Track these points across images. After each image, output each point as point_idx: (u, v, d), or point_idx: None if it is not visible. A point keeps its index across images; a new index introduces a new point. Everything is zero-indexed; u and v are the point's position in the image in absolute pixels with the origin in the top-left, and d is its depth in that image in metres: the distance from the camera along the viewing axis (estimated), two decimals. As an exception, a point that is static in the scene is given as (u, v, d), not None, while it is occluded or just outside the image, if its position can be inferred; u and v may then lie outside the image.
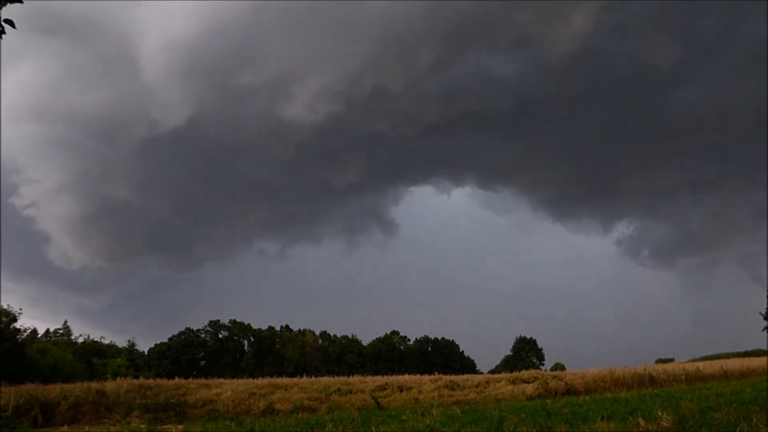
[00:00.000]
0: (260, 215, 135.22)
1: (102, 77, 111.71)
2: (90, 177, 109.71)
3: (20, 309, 35.36)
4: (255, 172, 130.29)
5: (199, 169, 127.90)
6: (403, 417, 16.83)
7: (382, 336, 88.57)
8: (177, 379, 29.56)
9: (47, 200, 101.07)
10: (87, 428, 20.67)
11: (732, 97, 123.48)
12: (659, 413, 12.00)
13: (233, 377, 37.71)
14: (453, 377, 33.45)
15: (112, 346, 55.56)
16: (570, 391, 29.21)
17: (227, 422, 17.69)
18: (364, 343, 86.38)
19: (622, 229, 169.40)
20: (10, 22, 5.67)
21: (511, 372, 41.12)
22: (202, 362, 79.50)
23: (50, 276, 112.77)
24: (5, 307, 34.59)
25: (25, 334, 38.37)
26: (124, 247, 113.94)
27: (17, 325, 35.33)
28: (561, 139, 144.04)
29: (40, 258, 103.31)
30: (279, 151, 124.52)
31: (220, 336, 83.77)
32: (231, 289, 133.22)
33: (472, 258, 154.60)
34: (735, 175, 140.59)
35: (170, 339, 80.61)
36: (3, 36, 5.70)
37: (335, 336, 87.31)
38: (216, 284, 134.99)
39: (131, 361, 53.34)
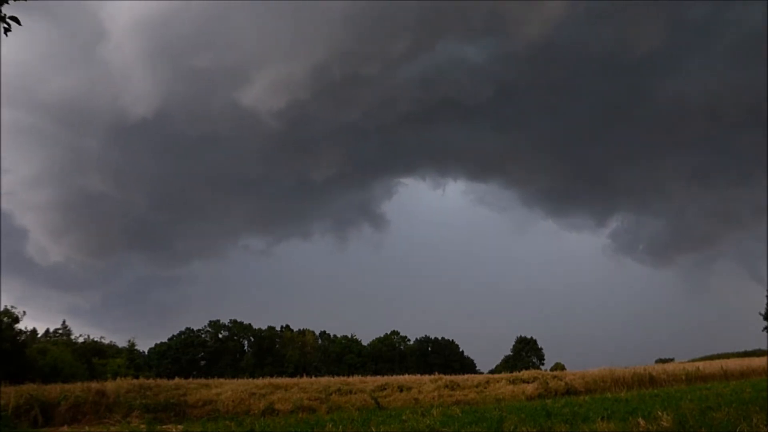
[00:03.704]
0: (243, 210, 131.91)
1: (71, 63, 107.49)
2: (63, 167, 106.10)
3: (24, 311, 35.56)
4: (231, 164, 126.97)
5: (171, 161, 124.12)
6: (403, 417, 16.84)
7: (382, 336, 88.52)
8: (177, 379, 29.55)
9: (21, 191, 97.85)
10: (87, 428, 20.67)
11: (721, 87, 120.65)
12: (659, 413, 12.01)
13: (233, 377, 37.67)
14: (453, 377, 33.45)
15: (112, 346, 55.71)
16: (570, 391, 29.21)
17: (227, 422, 17.70)
18: (364, 343, 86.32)
19: (616, 223, 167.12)
20: (15, 19, 5.69)
21: (511, 372, 41.11)
22: (202, 362, 79.42)
23: (33, 273, 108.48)
24: (9, 308, 34.78)
25: (24, 335, 38.48)
26: (105, 243, 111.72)
27: (19, 326, 35.52)
28: (549, 131, 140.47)
29: (19, 253, 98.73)
30: (253, 143, 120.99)
31: (220, 336, 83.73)
32: (224, 287, 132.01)
33: (471, 257, 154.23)
34: (730, 168, 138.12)
35: (170, 339, 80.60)
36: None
37: (335, 336, 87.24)
38: (208, 282, 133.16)
39: (131, 361, 53.46)
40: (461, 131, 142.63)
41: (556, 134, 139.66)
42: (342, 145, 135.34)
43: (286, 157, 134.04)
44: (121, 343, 58.48)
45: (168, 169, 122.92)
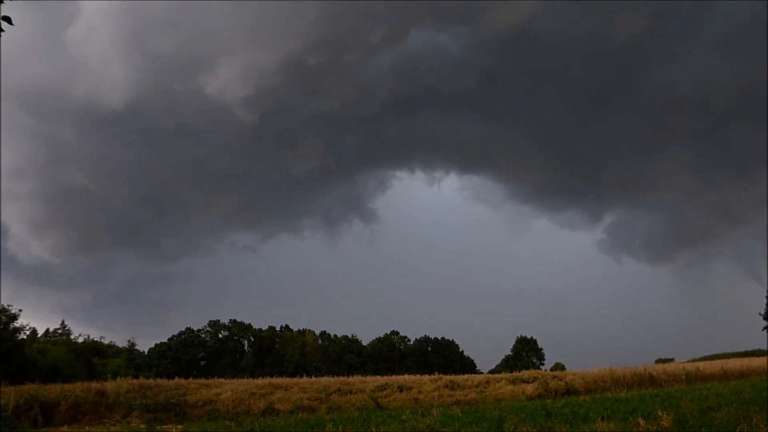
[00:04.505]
0: (225, 205, 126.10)
1: (41, 50, 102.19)
2: (41, 160, 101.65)
3: (20, 309, 35.51)
4: (208, 157, 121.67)
5: (147, 153, 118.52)
6: (403, 417, 16.85)
7: (382, 336, 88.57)
8: (177, 379, 29.57)
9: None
10: (87, 428, 20.69)
11: (712, 78, 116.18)
12: (659, 413, 12.02)
13: (233, 377, 37.67)
14: (453, 377, 33.46)
15: (111, 346, 55.68)
16: (570, 391, 29.23)
17: (227, 422, 17.71)
18: (364, 343, 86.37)
19: (611, 218, 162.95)
20: (8, 19, 5.69)
21: (511, 372, 41.12)
22: (202, 362, 79.47)
23: (17, 271, 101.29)
24: (5, 306, 34.76)
25: (24, 334, 38.49)
26: (88, 239, 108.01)
27: (17, 324, 35.49)
28: (536, 123, 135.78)
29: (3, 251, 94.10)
30: (228, 135, 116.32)
31: (220, 336, 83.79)
32: (217, 285, 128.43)
33: (469, 255, 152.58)
34: (727, 162, 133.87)
35: (170, 339, 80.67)
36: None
37: (335, 336, 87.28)
38: (200, 280, 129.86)
39: (131, 361, 53.45)
40: (445, 122, 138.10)
41: (543, 126, 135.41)
42: (321, 137, 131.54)
43: (264, 150, 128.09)
44: (118, 342, 58.36)
45: (145, 162, 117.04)
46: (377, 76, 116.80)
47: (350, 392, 28.06)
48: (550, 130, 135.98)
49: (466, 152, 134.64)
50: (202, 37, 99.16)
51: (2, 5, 5.70)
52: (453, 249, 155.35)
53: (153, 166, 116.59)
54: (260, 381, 30.87)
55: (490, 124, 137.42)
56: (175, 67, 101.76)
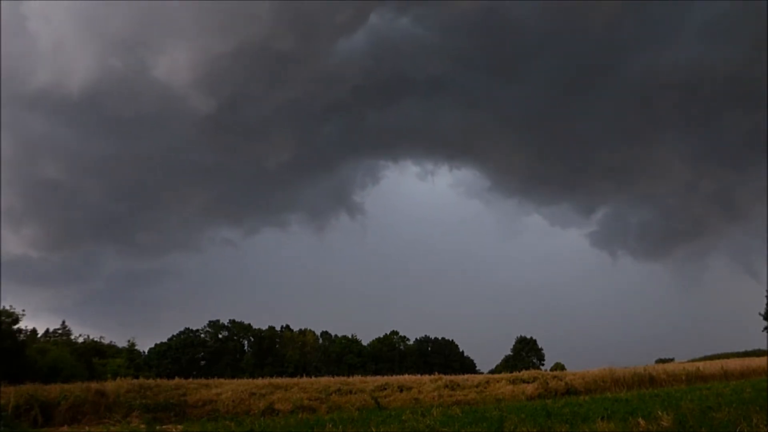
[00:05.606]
0: (202, 199, 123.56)
1: None
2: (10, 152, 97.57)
3: (23, 310, 35.53)
4: (176, 148, 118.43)
5: (114, 144, 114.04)
6: (403, 417, 16.86)
7: (382, 336, 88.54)
8: (177, 379, 29.57)
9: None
10: (87, 428, 20.68)
11: (698, 65, 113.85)
12: (659, 413, 12.02)
13: (233, 377, 37.69)
14: (453, 377, 33.46)
15: (112, 346, 55.77)
16: (570, 391, 29.23)
17: (227, 422, 17.71)
18: (364, 343, 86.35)
19: (605, 211, 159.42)
20: None
21: (511, 372, 41.10)
22: (202, 362, 79.47)
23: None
24: (8, 308, 34.78)
25: (24, 334, 38.48)
26: (66, 235, 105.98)
27: (21, 326, 35.55)
28: (517, 113, 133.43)
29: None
30: (190, 127, 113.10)
31: (220, 336, 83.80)
32: (205, 282, 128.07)
33: (467, 254, 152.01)
34: (724, 153, 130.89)
35: (170, 339, 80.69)
36: None
37: (335, 336, 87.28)
38: (188, 277, 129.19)
39: (131, 361, 53.50)
40: (423, 108, 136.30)
41: (529, 114, 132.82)
42: (291, 127, 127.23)
43: (235, 140, 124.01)
44: (114, 342, 58.26)
45: (113, 154, 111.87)
46: (343, 64, 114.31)
47: (350, 392, 28.06)
48: (536, 118, 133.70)
49: (450, 140, 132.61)
50: (161, 25, 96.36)
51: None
52: (449, 246, 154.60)
53: (121, 157, 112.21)
54: (260, 381, 30.87)
55: (470, 111, 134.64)
56: (133, 55, 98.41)
